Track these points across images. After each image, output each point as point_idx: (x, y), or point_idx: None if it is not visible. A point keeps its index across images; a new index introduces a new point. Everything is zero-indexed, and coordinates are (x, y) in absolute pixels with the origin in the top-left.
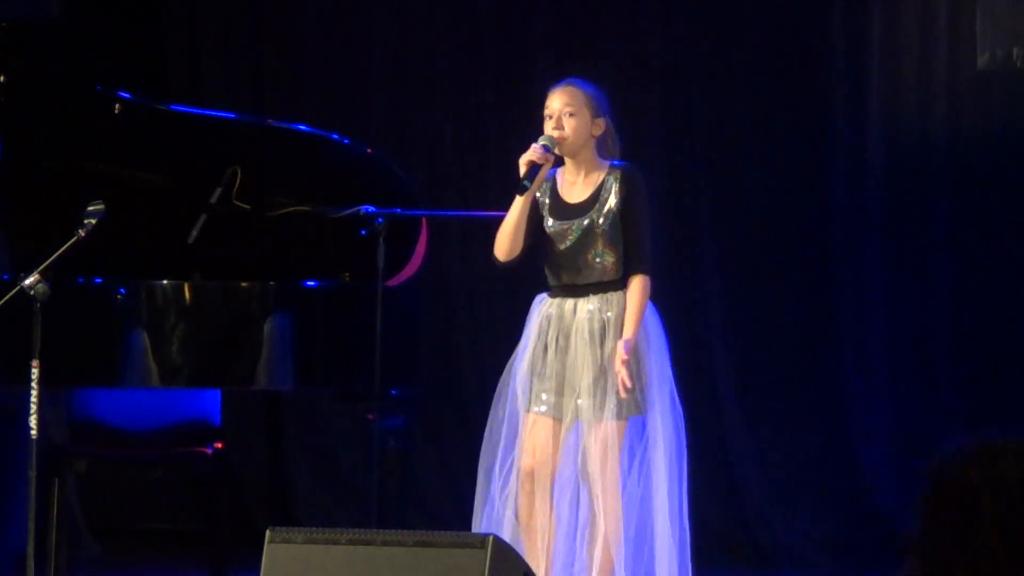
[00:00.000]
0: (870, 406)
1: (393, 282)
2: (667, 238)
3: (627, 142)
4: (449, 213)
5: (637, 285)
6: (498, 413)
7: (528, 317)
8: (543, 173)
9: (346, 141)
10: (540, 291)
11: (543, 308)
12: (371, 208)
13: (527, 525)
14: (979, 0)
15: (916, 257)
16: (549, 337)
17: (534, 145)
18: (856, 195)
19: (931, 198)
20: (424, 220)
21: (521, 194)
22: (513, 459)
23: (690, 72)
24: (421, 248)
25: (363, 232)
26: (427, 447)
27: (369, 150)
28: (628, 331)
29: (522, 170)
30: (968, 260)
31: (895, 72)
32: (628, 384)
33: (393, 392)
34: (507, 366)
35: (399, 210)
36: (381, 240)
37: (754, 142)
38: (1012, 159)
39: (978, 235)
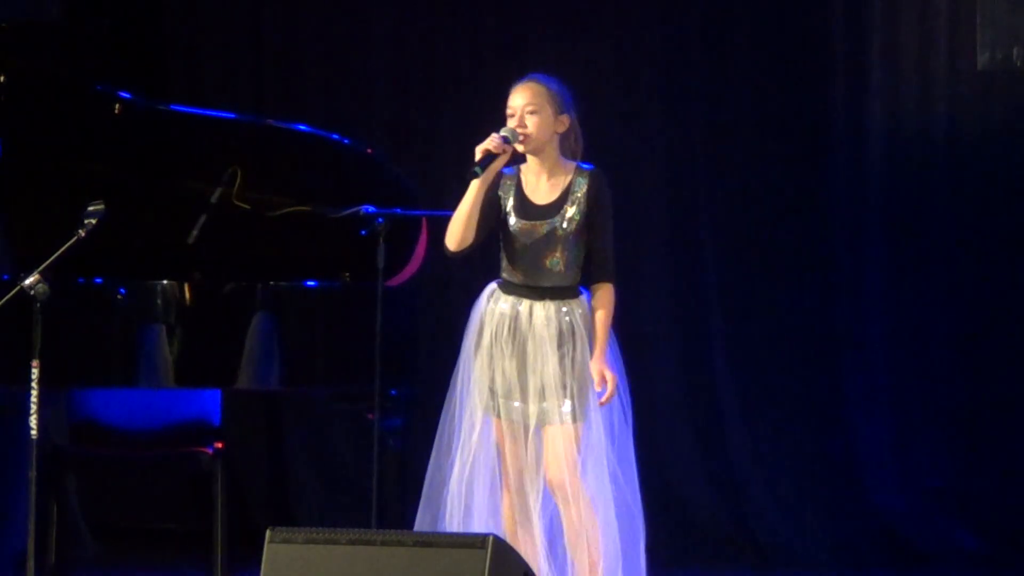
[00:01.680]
0: (870, 406)
1: (393, 282)
2: (666, 238)
3: (626, 143)
4: (449, 213)
5: (606, 295)
6: (451, 413)
7: (476, 308)
8: (499, 163)
9: (346, 141)
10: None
11: (496, 305)
12: (371, 208)
13: (513, 535)
14: (979, 0)
15: (916, 257)
16: (503, 338)
17: (493, 134)
18: (856, 195)
19: (931, 198)
20: (424, 220)
21: (471, 180)
22: (471, 463)
23: (689, 72)
24: (421, 248)
25: (363, 232)
26: (427, 447)
27: (369, 150)
28: (598, 348)
29: (477, 156)
30: (968, 260)
31: (895, 72)
32: (611, 395)
33: (393, 392)
34: (459, 363)
35: (399, 210)
36: (381, 240)
37: (754, 141)
38: (1012, 159)
39: (978, 235)
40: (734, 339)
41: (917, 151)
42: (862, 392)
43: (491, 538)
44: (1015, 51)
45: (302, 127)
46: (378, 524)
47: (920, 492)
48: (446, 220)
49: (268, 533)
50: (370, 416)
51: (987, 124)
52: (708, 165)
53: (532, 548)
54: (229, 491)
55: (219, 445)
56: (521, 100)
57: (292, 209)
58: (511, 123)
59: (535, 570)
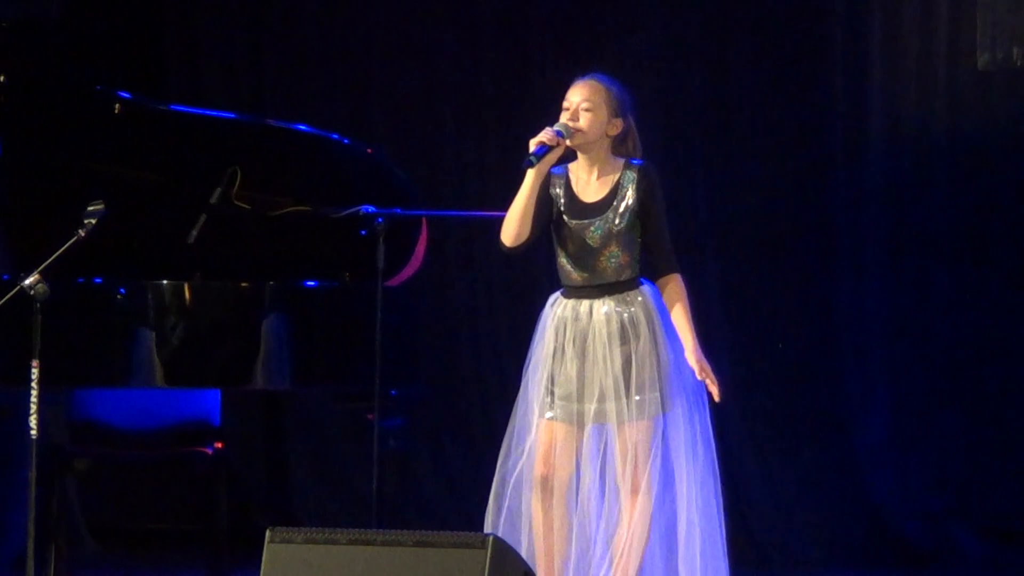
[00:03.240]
0: (870, 406)
1: (393, 282)
2: None
3: None
4: (449, 213)
5: (678, 287)
6: (516, 421)
7: (541, 318)
8: (553, 156)
9: (346, 141)
10: (541, 292)
11: (557, 311)
12: (371, 208)
13: (541, 534)
14: (979, 0)
15: (916, 257)
16: (565, 340)
17: (547, 128)
18: (856, 194)
19: (931, 198)
20: (424, 220)
21: (526, 169)
22: (519, 464)
23: (689, 70)
24: (421, 248)
25: (363, 232)
26: (427, 447)
27: (369, 150)
28: (690, 340)
29: (531, 148)
30: (968, 259)
31: (895, 72)
32: (715, 392)
33: (393, 392)
34: (524, 372)
35: (399, 210)
36: (381, 240)
37: (754, 141)
38: (1012, 159)
39: (978, 234)
40: (734, 338)
41: (917, 151)
42: (862, 392)
43: (491, 538)
44: (1015, 51)
45: (302, 127)
46: (378, 524)
47: (920, 492)
48: (446, 220)
49: (268, 533)
50: (370, 416)
51: (987, 124)
52: (708, 166)
53: (560, 553)
54: (229, 491)
55: (219, 445)
56: (578, 97)
57: (292, 209)
58: (564, 117)
59: (569, 572)
